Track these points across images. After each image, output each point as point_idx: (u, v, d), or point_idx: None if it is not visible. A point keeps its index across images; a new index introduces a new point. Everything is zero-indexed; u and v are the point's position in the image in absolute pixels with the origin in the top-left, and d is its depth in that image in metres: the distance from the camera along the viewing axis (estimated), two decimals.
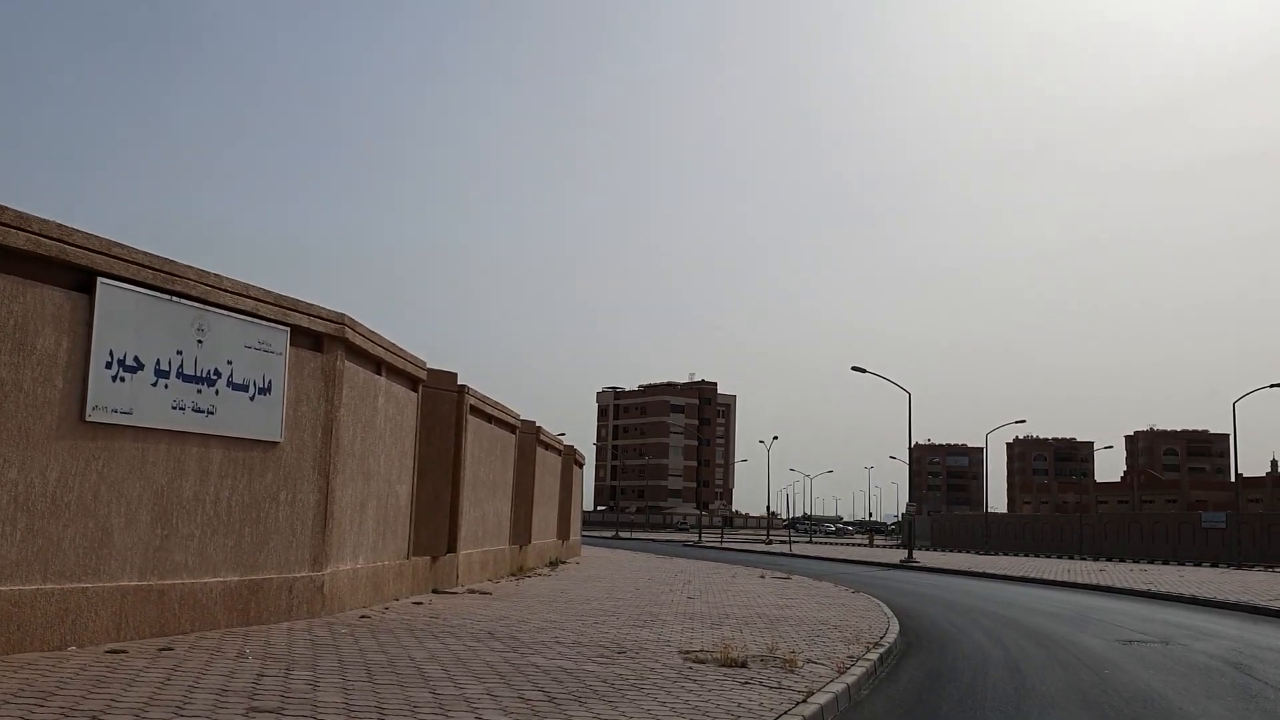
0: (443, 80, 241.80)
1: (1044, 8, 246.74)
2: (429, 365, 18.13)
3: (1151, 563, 66.43)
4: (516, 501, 26.23)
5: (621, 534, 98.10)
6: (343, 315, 13.62)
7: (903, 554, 50.56)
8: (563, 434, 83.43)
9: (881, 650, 13.12)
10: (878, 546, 78.10)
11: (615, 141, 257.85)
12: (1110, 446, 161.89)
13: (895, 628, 16.19)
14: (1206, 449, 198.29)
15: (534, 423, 27.75)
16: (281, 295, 12.57)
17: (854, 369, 45.90)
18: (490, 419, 23.07)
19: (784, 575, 31.37)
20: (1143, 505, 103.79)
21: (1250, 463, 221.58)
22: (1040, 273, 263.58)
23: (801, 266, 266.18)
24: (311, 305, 13.09)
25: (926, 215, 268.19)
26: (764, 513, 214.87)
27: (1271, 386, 48.61)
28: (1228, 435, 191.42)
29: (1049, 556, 76.20)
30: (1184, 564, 64.74)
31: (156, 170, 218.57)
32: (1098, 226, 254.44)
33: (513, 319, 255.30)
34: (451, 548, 19.63)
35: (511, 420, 25.10)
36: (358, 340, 14.12)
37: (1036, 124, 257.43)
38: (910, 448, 45.17)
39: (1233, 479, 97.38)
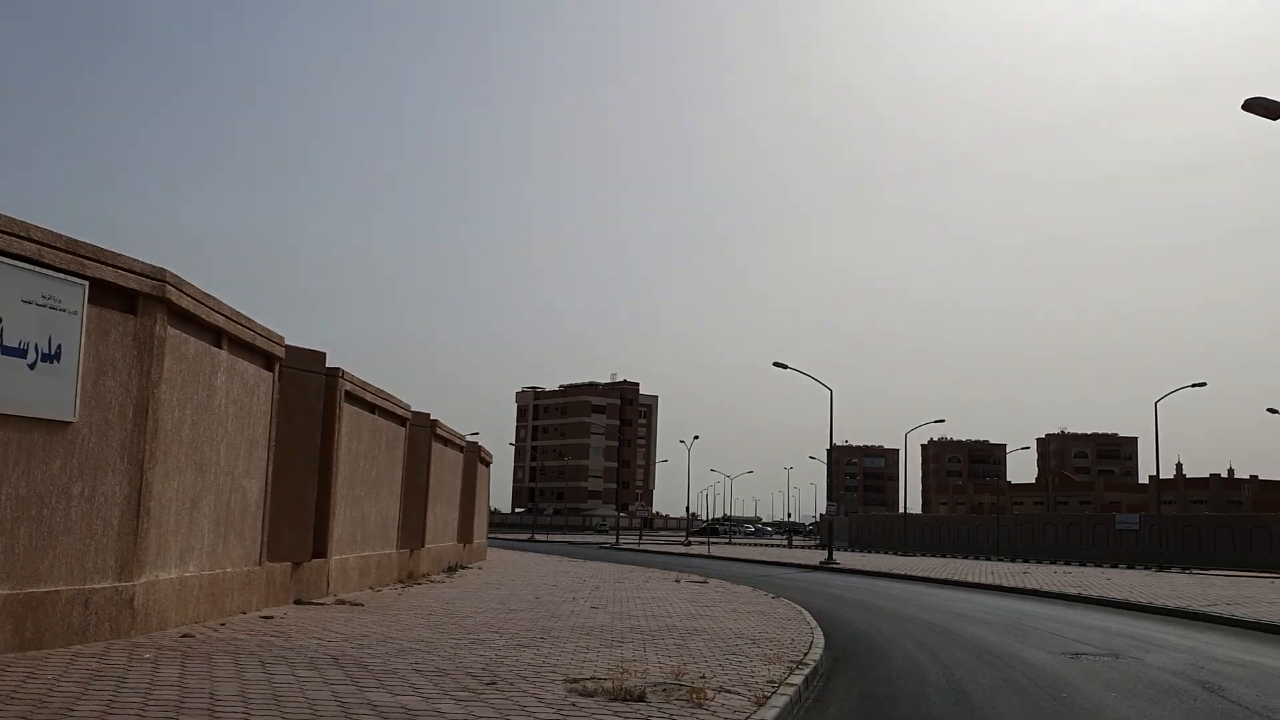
0: (362, 70, 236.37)
1: (980, 20, 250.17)
2: (331, 358, 15.74)
3: (1068, 564, 66.18)
4: (407, 501, 23.85)
5: (538, 536, 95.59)
6: (164, 271, 11.20)
7: (822, 555, 49.14)
8: (476, 433, 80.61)
9: (806, 671, 11.17)
10: (797, 547, 76.85)
11: (533, 139, 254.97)
12: (1027, 447, 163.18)
13: (820, 641, 14.29)
14: (1116, 451, 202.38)
15: (428, 415, 25.39)
16: (78, 241, 10.15)
17: (775, 364, 44.33)
18: (374, 409, 20.68)
19: (700, 579, 29.46)
20: (1057, 506, 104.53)
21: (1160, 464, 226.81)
22: (958, 279, 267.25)
23: (726, 268, 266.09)
24: (121, 256, 10.67)
25: (854, 220, 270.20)
26: (684, 514, 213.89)
27: (1194, 386, 48.25)
28: (1136, 438, 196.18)
29: (966, 557, 75.77)
30: (1101, 565, 64.57)
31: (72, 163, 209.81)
32: (1022, 234, 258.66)
33: (430, 318, 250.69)
34: (320, 552, 17.24)
35: (400, 411, 22.73)
36: (186, 304, 11.71)
37: (967, 133, 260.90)
38: (831, 446, 43.64)
39: (1147, 480, 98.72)
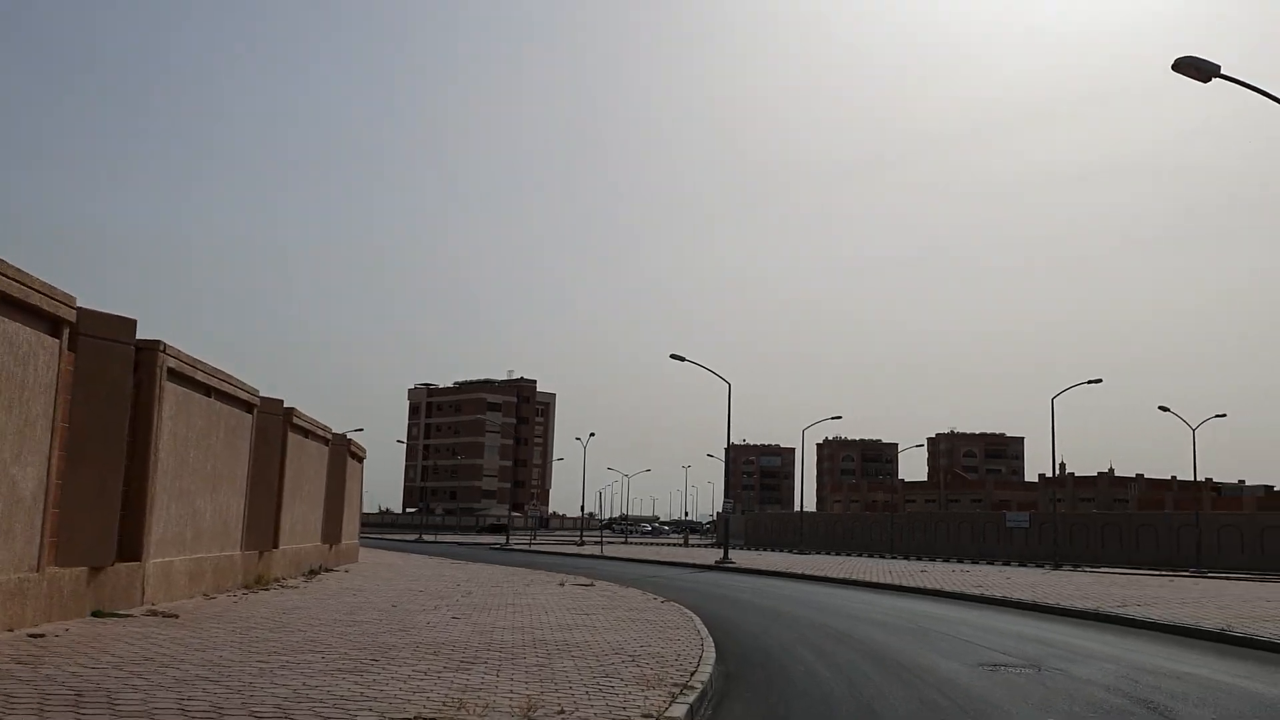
0: (270, 60, 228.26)
1: (880, 28, 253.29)
2: (143, 332, 13.16)
3: (961, 561, 66.17)
4: (255, 497, 21.23)
5: (426, 537, 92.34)
6: None
7: (718, 554, 47.54)
8: (360, 429, 77.16)
9: (692, 697, 9.20)
10: (693, 546, 75.44)
11: (428, 136, 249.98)
12: (921, 445, 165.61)
13: (711, 654, 12.36)
14: (1003, 451, 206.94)
15: (281, 402, 22.79)
16: None
17: (673, 357, 42.55)
18: (209, 391, 18.09)
19: (587, 581, 27.41)
20: (949, 504, 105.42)
21: (1043, 463, 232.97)
22: (855, 282, 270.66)
23: (629, 267, 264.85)
24: None
25: (757, 222, 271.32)
26: (581, 513, 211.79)
27: (1090, 382, 48.10)
28: (1022, 439, 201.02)
29: (862, 555, 75.35)
30: (994, 563, 64.63)
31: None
32: (917, 240, 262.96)
33: (321, 314, 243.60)
34: (132, 554, 14.67)
35: (245, 395, 20.13)
36: None
37: (868, 140, 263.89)
38: (729, 442, 42.18)
39: (1036, 478, 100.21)
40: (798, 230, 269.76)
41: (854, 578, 32.80)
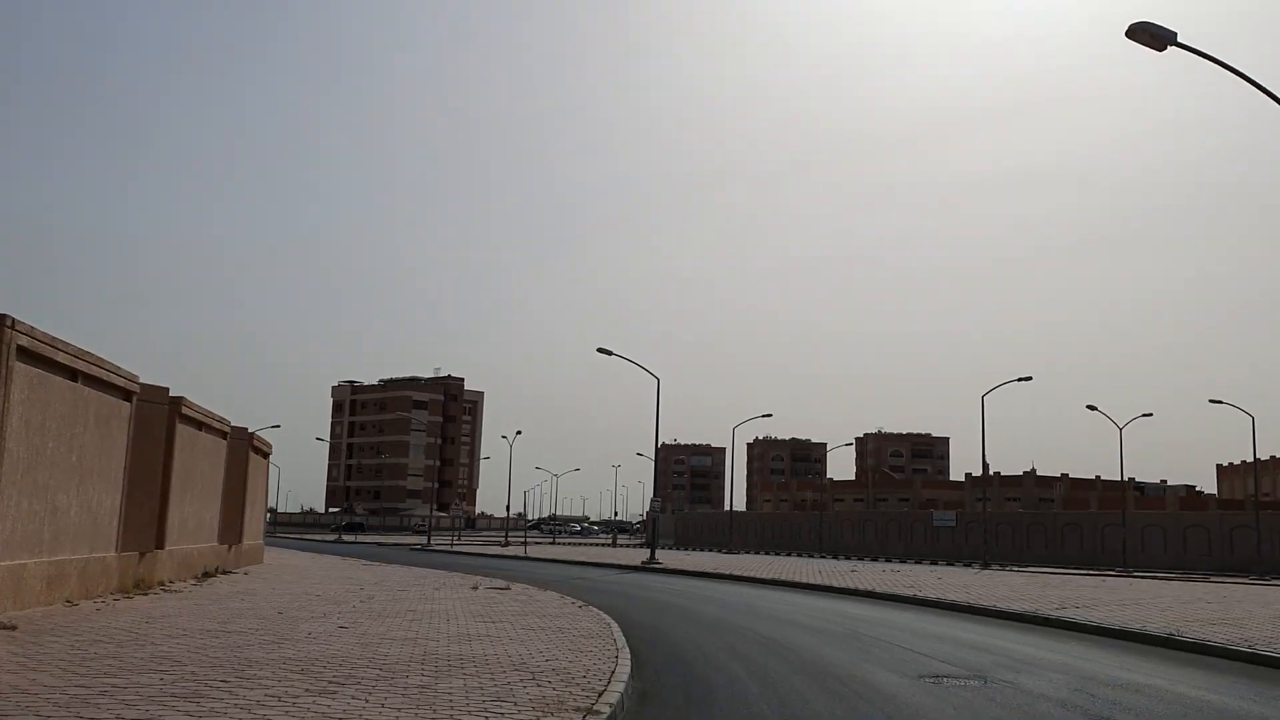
0: (191, 63, 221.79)
1: (815, 35, 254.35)
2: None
3: (889, 560, 65.77)
4: (134, 493, 19.34)
5: (347, 537, 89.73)
6: None
7: (645, 554, 46.18)
8: (277, 425, 74.39)
9: None
10: (621, 546, 74.11)
11: (357, 128, 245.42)
12: (850, 443, 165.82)
13: (625, 668, 10.97)
14: (929, 451, 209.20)
15: (167, 390, 20.89)
16: None
17: (599, 350, 41.12)
18: (75, 375, 16.23)
19: (503, 585, 25.86)
20: (877, 503, 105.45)
21: (969, 464, 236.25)
22: (787, 282, 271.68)
23: (561, 266, 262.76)
24: None
25: (693, 221, 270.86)
26: (507, 514, 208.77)
27: (1020, 380, 47.68)
28: (948, 439, 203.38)
29: (791, 554, 74.65)
30: (921, 562, 64.35)
31: None
32: (849, 241, 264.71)
33: (245, 309, 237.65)
34: None
35: (121, 382, 18.25)
36: None
37: (800, 143, 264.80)
38: (657, 438, 40.82)
39: (964, 477, 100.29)
40: (731, 231, 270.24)
41: (783, 578, 31.69)
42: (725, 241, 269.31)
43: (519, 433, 76.87)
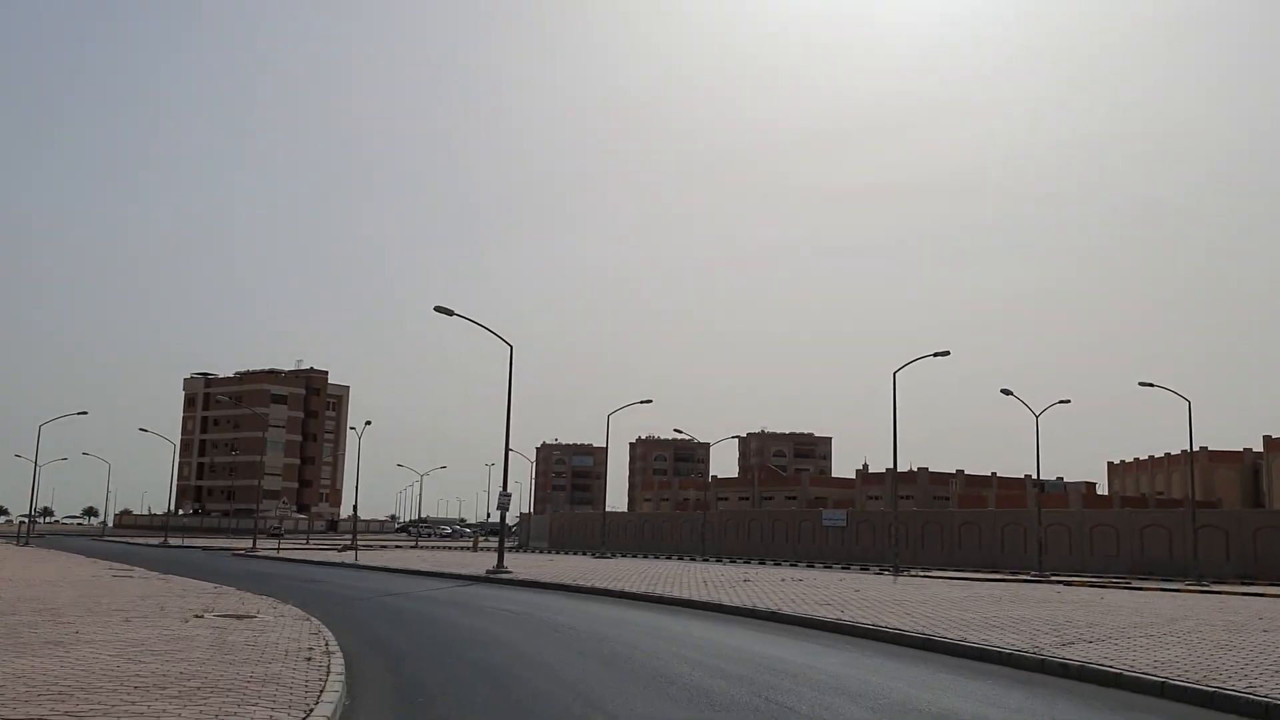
0: (64, 48, 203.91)
1: (734, 30, 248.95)
2: None
3: (779, 564, 59.39)
4: None
5: (173, 541, 79.22)
6: None
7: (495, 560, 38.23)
8: (83, 412, 64.16)
9: None
10: (483, 550, 65.92)
11: (227, 113, 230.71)
12: (738, 436, 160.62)
13: None
14: (812, 450, 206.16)
15: None
16: None
17: (437, 309, 33.25)
18: None
19: (251, 612, 17.84)
20: (763, 502, 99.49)
21: (852, 464, 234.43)
22: (672, 282, 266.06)
23: (442, 262, 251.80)
24: None
25: (598, 217, 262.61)
26: (385, 516, 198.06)
27: (935, 355, 41.55)
28: (830, 438, 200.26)
29: (671, 557, 67.79)
30: (813, 565, 58.26)
31: None
32: (746, 242, 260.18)
33: (87, 293, 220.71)
34: None
35: None
36: None
37: (698, 145, 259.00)
38: (509, 412, 33.23)
39: (853, 474, 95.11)
40: (638, 226, 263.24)
41: (660, 592, 24.33)
42: (628, 237, 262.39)
43: (368, 423, 68.19)
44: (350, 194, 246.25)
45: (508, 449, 33.59)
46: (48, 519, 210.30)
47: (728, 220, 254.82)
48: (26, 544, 56.97)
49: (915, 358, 42.21)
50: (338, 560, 44.26)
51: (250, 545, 62.30)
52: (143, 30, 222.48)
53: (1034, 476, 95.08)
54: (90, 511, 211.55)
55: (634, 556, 68.51)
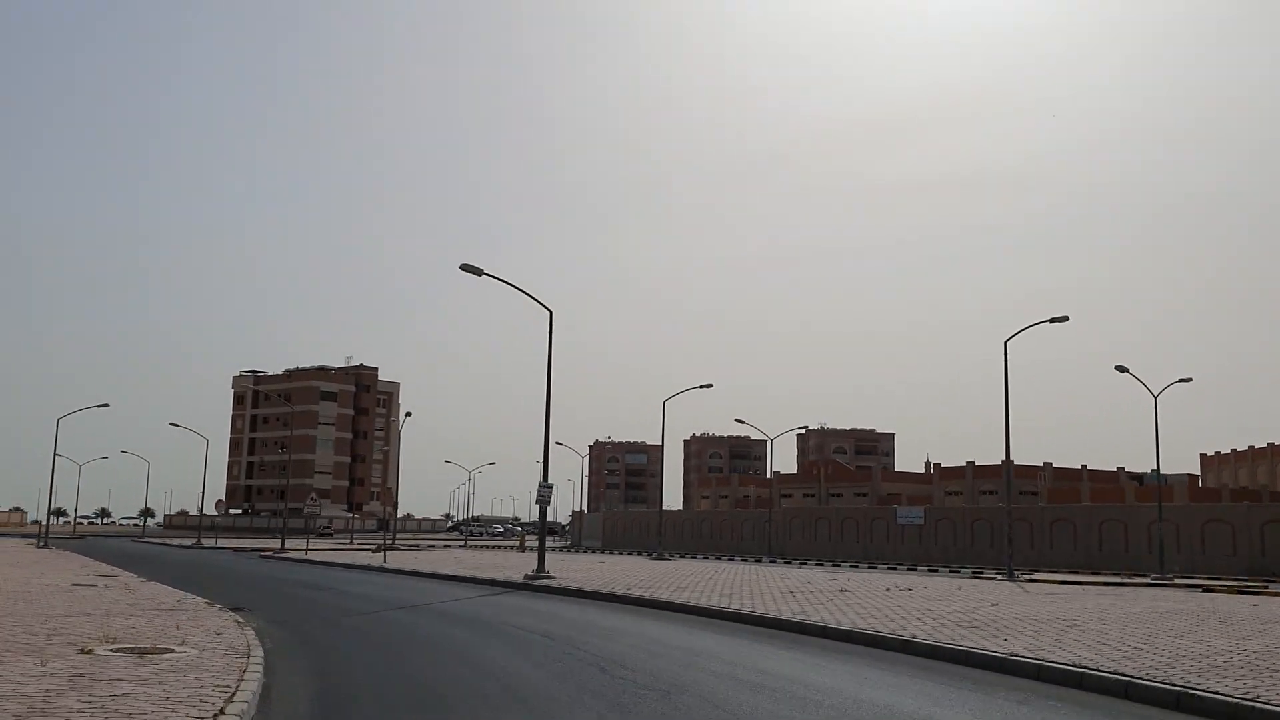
0: (69, 42, 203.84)
1: (784, 28, 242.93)
2: None
3: (855, 565, 53.80)
4: None
5: (207, 541, 75.39)
6: None
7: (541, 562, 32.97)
8: (105, 405, 60.39)
9: None
10: (530, 549, 60.98)
11: (274, 115, 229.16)
12: (799, 429, 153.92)
13: None
14: (873, 447, 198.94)
15: None
16: None
17: (464, 268, 28.24)
18: None
19: (140, 652, 12.83)
20: (830, 499, 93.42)
21: (915, 462, 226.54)
22: (727, 280, 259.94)
23: (493, 260, 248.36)
24: None
25: (645, 218, 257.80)
26: (439, 515, 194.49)
27: (1052, 321, 35.60)
28: (893, 434, 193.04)
29: (733, 559, 62.24)
30: (895, 567, 52.63)
31: None
32: (798, 239, 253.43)
33: (144, 292, 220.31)
34: None
35: None
36: None
37: (768, 137, 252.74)
38: (549, 384, 28.17)
39: (912, 469, 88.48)
40: (685, 227, 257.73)
41: (739, 607, 18.93)
42: (679, 238, 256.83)
43: (408, 414, 63.65)
44: (398, 190, 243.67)
45: (548, 427, 28.42)
46: (104, 520, 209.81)
47: (779, 217, 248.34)
48: (44, 545, 52.98)
49: (1030, 324, 36.35)
50: (365, 563, 39.44)
51: (279, 546, 57.89)
52: (189, 25, 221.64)
53: (1124, 469, 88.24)
54: (146, 513, 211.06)
55: (693, 557, 63.13)
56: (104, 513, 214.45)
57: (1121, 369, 41.60)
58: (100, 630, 13.24)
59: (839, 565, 53.36)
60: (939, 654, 13.11)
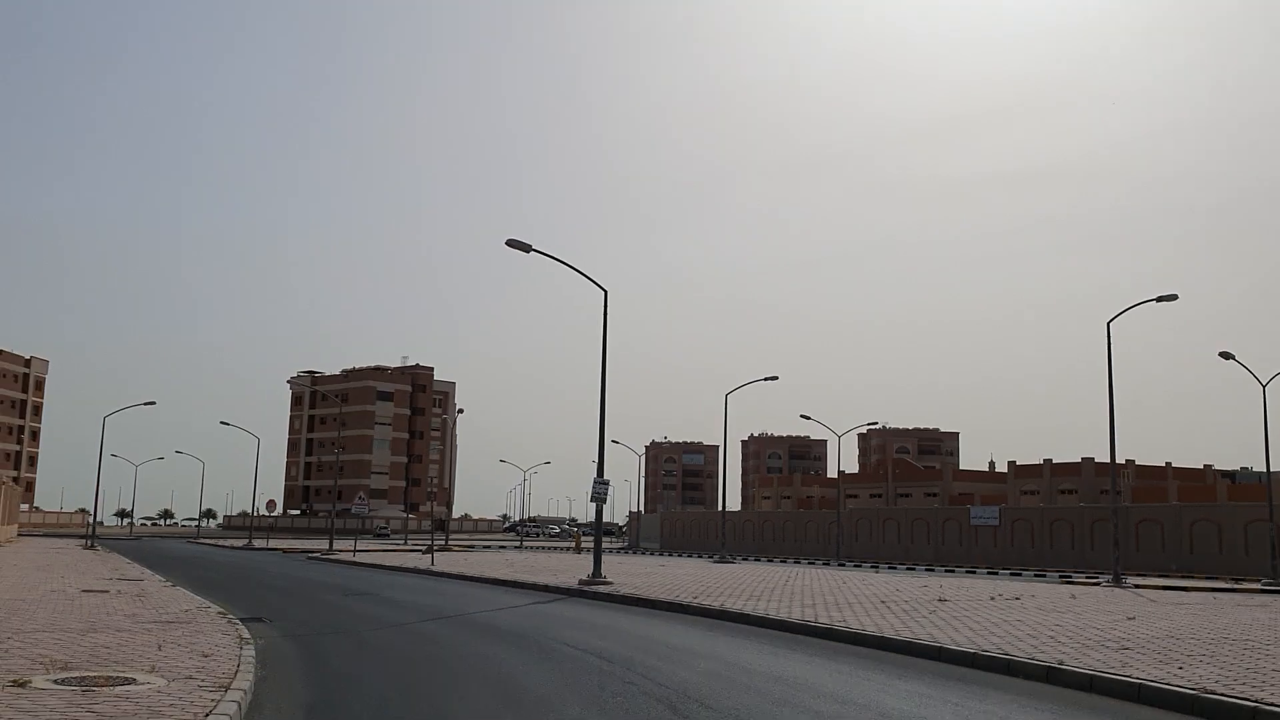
0: (124, 49, 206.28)
1: (848, 24, 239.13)
2: None
3: (930, 569, 50.66)
4: None
5: (257, 543, 74.12)
6: None
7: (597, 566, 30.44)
8: (151, 402, 59.19)
9: None
10: (586, 551, 58.61)
11: (329, 114, 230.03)
12: (864, 429, 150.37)
13: None
14: (937, 446, 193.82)
15: None
16: None
17: (511, 244, 25.82)
18: None
19: (86, 687, 10.45)
20: (898, 499, 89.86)
21: (981, 462, 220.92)
22: (788, 277, 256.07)
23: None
24: None
25: (699, 218, 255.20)
26: (496, 515, 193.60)
27: (1159, 300, 32.11)
28: (957, 433, 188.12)
29: (799, 561, 59.18)
30: (976, 570, 49.44)
31: None
32: (854, 235, 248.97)
33: (199, 297, 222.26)
34: None
35: None
36: None
37: (826, 134, 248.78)
38: (604, 364, 25.73)
39: (1003, 469, 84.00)
40: (741, 225, 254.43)
41: (828, 621, 16.21)
42: (735, 236, 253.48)
43: (460, 410, 61.69)
44: (449, 189, 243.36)
45: (603, 415, 25.91)
46: (167, 521, 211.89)
47: (840, 213, 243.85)
48: (91, 546, 51.68)
49: (1135, 303, 33.00)
50: (412, 565, 37.23)
51: (327, 547, 56.11)
52: (277, 34, 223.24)
53: (1210, 466, 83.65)
54: (208, 514, 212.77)
55: (756, 559, 60.30)
56: (167, 514, 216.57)
57: (1226, 355, 38.08)
58: (65, 652, 10.94)
59: (913, 569, 50.28)
60: (1098, 686, 10.32)
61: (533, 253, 25.92)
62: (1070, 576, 43.52)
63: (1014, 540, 63.10)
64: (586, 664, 11.85)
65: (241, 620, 16.27)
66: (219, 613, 16.39)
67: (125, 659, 10.55)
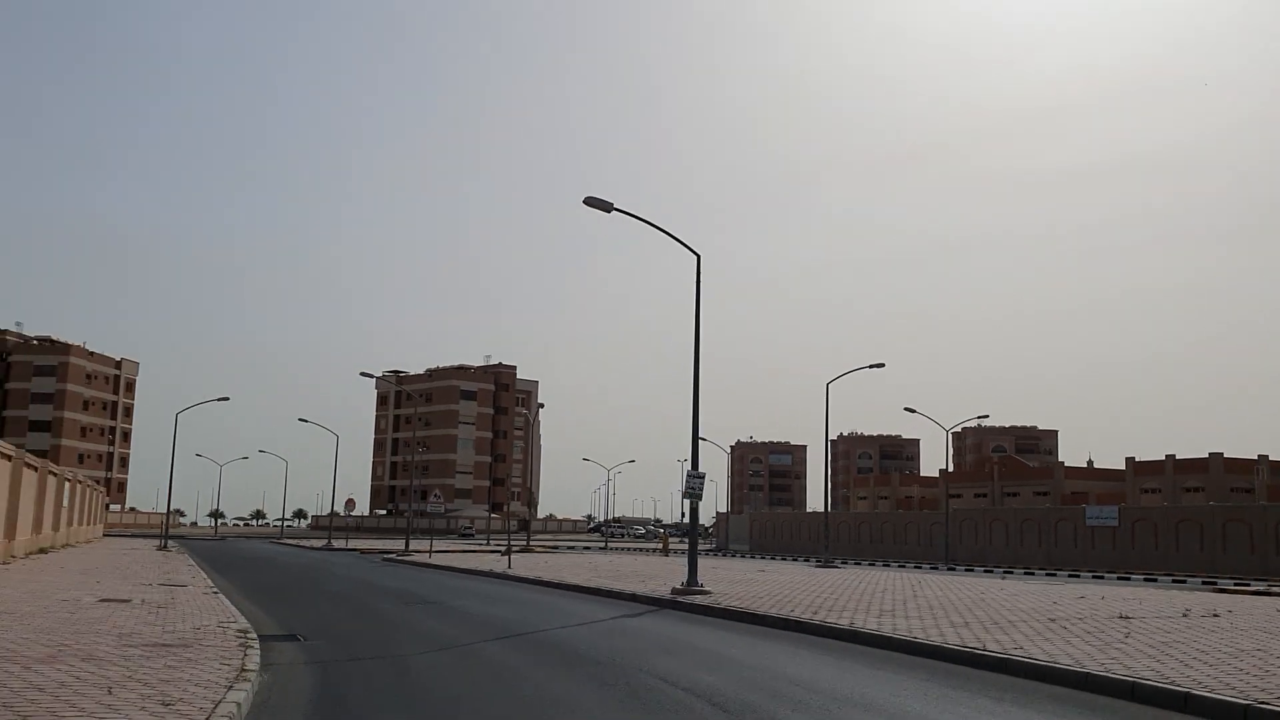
0: (212, 63, 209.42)
1: (933, 14, 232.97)
2: None
3: (1052, 574, 46.21)
4: None
5: (337, 543, 72.38)
6: None
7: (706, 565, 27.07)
8: (225, 398, 57.56)
9: None
10: (675, 553, 55.30)
11: (401, 117, 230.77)
12: (958, 429, 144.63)
13: None
14: (1035, 445, 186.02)
15: None
16: None
17: (588, 201, 22.69)
18: None
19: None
20: (1005, 499, 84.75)
21: (1081, 461, 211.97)
22: (882, 275, 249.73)
23: (632, 256, 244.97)
24: None
25: (785, 216, 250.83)
26: (581, 516, 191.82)
27: None
28: (1056, 431, 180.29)
29: (902, 564, 55.20)
30: (1101, 575, 45.03)
31: None
32: (957, 231, 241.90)
33: (287, 301, 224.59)
34: None
35: None
36: None
37: (919, 129, 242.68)
38: (697, 335, 22.43)
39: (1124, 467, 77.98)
40: (828, 223, 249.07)
41: (997, 649, 12.59)
42: (823, 233, 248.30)
43: (541, 405, 59.04)
44: (533, 187, 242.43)
45: (696, 392, 22.55)
46: (259, 521, 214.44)
47: (931, 209, 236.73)
48: (164, 547, 50.11)
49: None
50: (488, 568, 34.34)
51: (404, 547, 53.72)
52: (340, 36, 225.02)
53: None
54: (299, 514, 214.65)
55: (857, 563, 56.36)
56: (259, 514, 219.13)
57: None
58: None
59: (1031, 573, 46.02)
60: None
61: (614, 210, 22.71)
62: (1215, 582, 38.94)
63: (1135, 542, 58.10)
64: (693, 713, 8.55)
65: (269, 639, 13.40)
66: (239, 631, 13.49)
67: (57, 708, 7.54)
